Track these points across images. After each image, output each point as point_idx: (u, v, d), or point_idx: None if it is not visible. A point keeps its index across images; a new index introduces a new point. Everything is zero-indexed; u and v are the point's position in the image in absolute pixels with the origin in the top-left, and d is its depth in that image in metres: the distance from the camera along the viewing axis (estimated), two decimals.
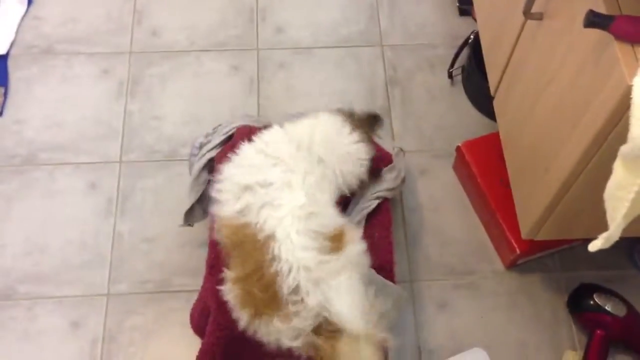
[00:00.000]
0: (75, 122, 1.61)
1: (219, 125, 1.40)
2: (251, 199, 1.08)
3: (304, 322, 1.01)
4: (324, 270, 1.03)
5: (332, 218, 1.12)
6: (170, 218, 1.48)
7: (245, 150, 1.17)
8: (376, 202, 1.31)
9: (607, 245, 0.80)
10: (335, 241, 1.07)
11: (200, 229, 1.44)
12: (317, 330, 1.02)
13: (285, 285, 1.01)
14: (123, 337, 1.37)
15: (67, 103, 1.63)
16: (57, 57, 1.70)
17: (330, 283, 1.02)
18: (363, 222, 1.28)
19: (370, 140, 1.28)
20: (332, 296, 1.02)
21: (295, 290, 1.01)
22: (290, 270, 1.01)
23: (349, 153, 1.21)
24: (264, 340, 1.05)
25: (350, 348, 1.01)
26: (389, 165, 1.37)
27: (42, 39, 1.72)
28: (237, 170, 1.14)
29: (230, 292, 1.06)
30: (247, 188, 1.09)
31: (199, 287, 1.31)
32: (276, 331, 1.02)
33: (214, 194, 1.13)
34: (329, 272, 1.04)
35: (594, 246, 0.80)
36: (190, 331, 1.34)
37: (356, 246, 1.10)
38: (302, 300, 1.01)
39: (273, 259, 1.03)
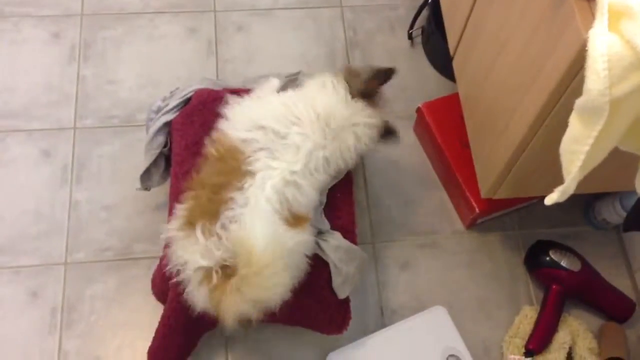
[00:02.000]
0: (26, 88, 1.55)
1: (177, 88, 1.37)
2: (259, 137, 1.12)
3: (217, 246, 1.03)
4: (268, 227, 1.05)
5: (308, 201, 1.14)
6: (128, 185, 1.45)
7: (270, 96, 1.22)
8: (342, 174, 1.31)
9: (562, 199, 0.81)
10: (295, 219, 1.09)
11: (159, 194, 1.42)
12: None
13: (231, 211, 1.05)
14: (83, 305, 1.35)
15: (17, 68, 1.57)
16: (6, 21, 1.63)
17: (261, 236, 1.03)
18: (325, 193, 1.28)
19: (378, 104, 1.26)
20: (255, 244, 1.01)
21: (234, 220, 1.04)
22: (242, 206, 1.05)
23: (358, 129, 1.21)
24: (175, 254, 1.08)
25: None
26: None
27: None
28: (257, 108, 1.18)
29: (186, 197, 1.11)
30: (261, 127, 1.13)
31: (160, 254, 1.29)
32: (192, 243, 1.05)
33: (226, 111, 1.18)
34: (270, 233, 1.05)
35: (550, 199, 0.81)
36: (153, 298, 1.33)
37: (305, 237, 1.12)
38: (230, 230, 1.04)
39: (239, 188, 1.06)
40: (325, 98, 1.19)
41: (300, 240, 1.11)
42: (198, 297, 1.06)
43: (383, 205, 1.50)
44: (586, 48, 0.74)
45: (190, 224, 1.07)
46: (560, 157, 0.80)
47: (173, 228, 1.09)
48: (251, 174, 1.08)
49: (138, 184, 1.34)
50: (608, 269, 1.43)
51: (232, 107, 1.20)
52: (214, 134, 1.17)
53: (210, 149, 1.15)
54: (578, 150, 0.76)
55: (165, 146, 1.32)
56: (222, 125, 1.17)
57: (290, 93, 1.22)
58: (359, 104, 1.21)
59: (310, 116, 1.16)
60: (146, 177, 1.33)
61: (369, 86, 1.23)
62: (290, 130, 1.14)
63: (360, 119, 1.20)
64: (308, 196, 1.15)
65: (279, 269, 1.01)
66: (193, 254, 1.05)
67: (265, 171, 1.09)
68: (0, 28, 1.62)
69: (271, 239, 1.01)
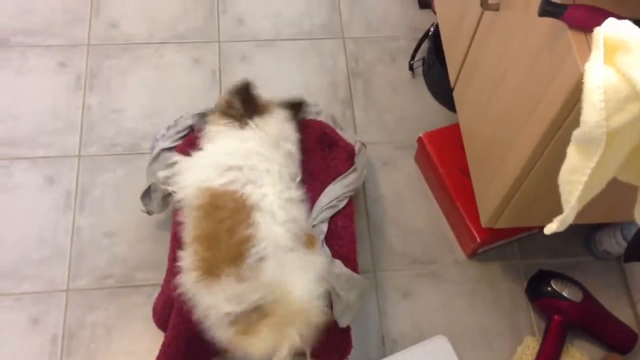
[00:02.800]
0: (31, 116, 1.57)
1: (181, 117, 1.39)
2: (237, 175, 1.13)
3: (250, 290, 1.03)
4: (292, 257, 1.06)
5: (303, 217, 1.17)
6: (131, 212, 1.46)
7: (225, 139, 1.22)
8: (344, 202, 1.32)
9: (562, 228, 0.82)
10: (307, 239, 1.11)
11: (161, 221, 1.43)
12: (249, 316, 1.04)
13: (254, 250, 1.05)
14: (84, 332, 1.35)
15: (23, 97, 1.60)
16: (12, 50, 1.66)
17: (294, 272, 1.04)
18: (327, 222, 1.29)
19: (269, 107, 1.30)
20: (289, 281, 1.05)
21: (259, 259, 1.05)
22: (263, 240, 1.06)
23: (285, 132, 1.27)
24: (199, 309, 1.07)
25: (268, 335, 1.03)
26: (352, 167, 1.38)
27: None
28: (220, 152, 1.19)
29: (187, 252, 1.10)
30: (232, 168, 1.14)
31: (161, 281, 1.29)
32: (217, 290, 1.04)
33: (192, 163, 1.19)
34: (296, 262, 1.07)
35: (549, 229, 0.82)
36: (154, 326, 1.33)
37: (323, 260, 1.15)
38: (263, 270, 1.04)
39: (253, 223, 1.06)
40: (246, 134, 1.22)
41: (320, 263, 1.13)
42: (225, 338, 1.06)
43: (384, 234, 1.50)
44: (583, 80, 0.75)
45: (211, 273, 1.06)
46: (559, 187, 0.81)
47: (190, 281, 1.08)
48: (256, 205, 1.09)
49: (142, 207, 1.36)
50: (609, 299, 1.43)
51: (186, 165, 1.21)
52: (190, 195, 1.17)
53: (194, 207, 1.14)
54: (576, 180, 0.77)
55: None
56: (188, 183, 1.17)
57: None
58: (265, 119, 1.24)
59: (264, 143, 1.20)
60: (146, 201, 1.35)
61: (243, 103, 1.26)
62: (255, 160, 1.17)
63: (279, 124, 1.26)
64: (305, 212, 1.17)
65: (316, 301, 1.05)
66: (218, 301, 1.05)
67: (264, 199, 1.10)
68: (6, 57, 1.65)
69: (305, 276, 1.05)
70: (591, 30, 0.79)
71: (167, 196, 1.30)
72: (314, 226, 1.26)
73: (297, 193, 1.19)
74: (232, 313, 1.04)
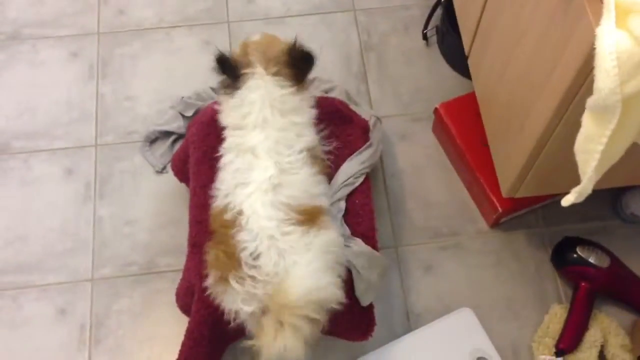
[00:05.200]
0: (47, 108, 1.58)
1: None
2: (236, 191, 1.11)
3: (256, 287, 1.03)
4: (289, 241, 1.05)
5: (306, 188, 1.12)
6: (150, 199, 1.47)
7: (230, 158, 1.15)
8: (360, 179, 1.30)
9: (580, 199, 0.80)
10: (306, 215, 1.08)
11: (179, 207, 1.43)
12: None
13: (248, 250, 1.05)
14: (111, 321, 1.36)
15: (37, 89, 1.60)
16: (24, 43, 1.66)
17: (294, 257, 1.04)
18: (344, 200, 1.28)
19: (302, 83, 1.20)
20: (292, 270, 1.04)
21: (257, 257, 1.04)
22: (254, 239, 1.05)
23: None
24: (224, 307, 1.09)
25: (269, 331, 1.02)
26: (367, 143, 1.35)
27: (8, 24, 1.68)
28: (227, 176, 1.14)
29: (208, 255, 1.12)
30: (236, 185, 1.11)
31: (182, 267, 1.30)
32: (233, 293, 1.05)
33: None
34: (296, 246, 1.05)
35: (566, 201, 0.80)
36: (178, 311, 1.33)
37: (329, 234, 1.11)
38: (260, 266, 1.04)
39: (240, 229, 1.06)
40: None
41: (324, 240, 1.09)
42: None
43: (404, 209, 1.49)
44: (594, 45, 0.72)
45: (223, 279, 1.07)
46: (575, 157, 0.79)
47: (212, 284, 1.10)
48: (239, 212, 1.08)
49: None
50: (639, 263, 1.40)
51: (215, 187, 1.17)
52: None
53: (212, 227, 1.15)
54: (592, 149, 0.74)
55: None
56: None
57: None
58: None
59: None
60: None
61: (228, 76, 1.17)
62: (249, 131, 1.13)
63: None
64: (301, 184, 1.12)
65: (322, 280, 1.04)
66: (237, 304, 1.06)
67: (246, 200, 1.08)
68: (18, 50, 1.65)
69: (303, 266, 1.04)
70: None
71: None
72: (332, 204, 1.25)
73: (294, 159, 1.12)
74: (253, 313, 1.04)
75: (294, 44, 1.17)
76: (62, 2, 1.71)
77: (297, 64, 1.17)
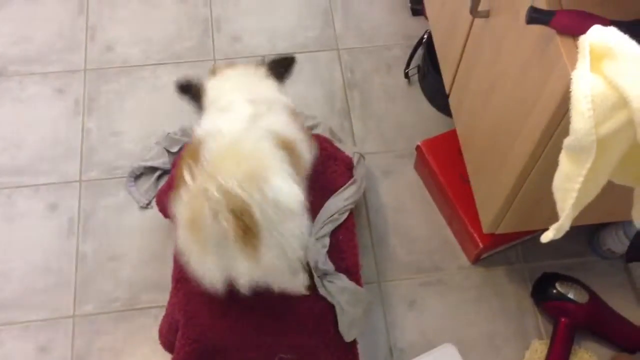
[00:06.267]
0: (32, 144, 1.58)
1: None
2: None
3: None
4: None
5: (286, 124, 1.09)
6: (134, 234, 1.47)
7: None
8: (344, 215, 1.32)
9: (558, 236, 0.82)
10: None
11: (164, 243, 1.43)
12: None
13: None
14: (92, 358, 1.35)
15: (22, 125, 1.61)
16: (10, 80, 1.67)
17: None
18: (328, 236, 1.29)
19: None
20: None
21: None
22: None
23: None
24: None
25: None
26: (351, 180, 1.38)
27: None
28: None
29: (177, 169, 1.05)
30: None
31: (166, 303, 1.30)
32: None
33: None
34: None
35: (545, 237, 0.82)
36: (161, 347, 1.33)
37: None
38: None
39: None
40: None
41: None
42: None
43: (388, 244, 1.50)
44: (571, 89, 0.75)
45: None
46: (554, 194, 0.81)
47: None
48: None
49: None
50: (616, 299, 1.42)
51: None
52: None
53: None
54: (570, 188, 0.77)
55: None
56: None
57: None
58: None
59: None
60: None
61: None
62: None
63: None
64: (280, 121, 1.08)
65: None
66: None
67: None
68: (5, 87, 1.66)
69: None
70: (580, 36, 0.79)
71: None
72: (316, 239, 1.27)
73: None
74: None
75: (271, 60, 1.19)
76: (49, 39, 1.73)
77: (277, 67, 1.19)
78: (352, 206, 1.35)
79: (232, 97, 1.11)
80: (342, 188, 1.35)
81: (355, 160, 1.41)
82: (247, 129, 1.03)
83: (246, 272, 0.98)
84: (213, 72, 1.21)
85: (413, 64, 1.71)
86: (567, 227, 0.81)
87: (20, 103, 1.64)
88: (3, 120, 1.61)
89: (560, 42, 0.90)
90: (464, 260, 1.49)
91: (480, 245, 1.40)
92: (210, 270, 1.00)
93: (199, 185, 0.94)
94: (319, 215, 1.30)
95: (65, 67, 1.70)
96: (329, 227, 1.30)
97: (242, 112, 1.06)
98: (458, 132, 1.39)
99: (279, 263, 1.00)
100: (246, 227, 0.93)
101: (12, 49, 1.72)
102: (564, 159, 0.78)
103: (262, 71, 1.18)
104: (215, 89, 1.15)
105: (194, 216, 0.96)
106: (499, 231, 1.27)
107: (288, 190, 0.98)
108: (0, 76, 1.67)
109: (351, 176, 1.39)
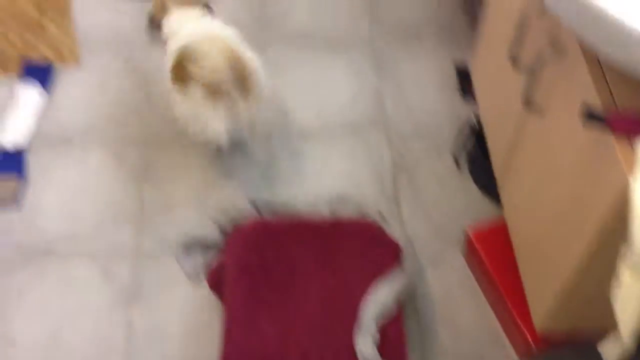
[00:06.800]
0: None
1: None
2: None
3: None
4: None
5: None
6: (184, 308, 1.47)
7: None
8: (393, 310, 1.30)
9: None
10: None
11: (212, 321, 1.43)
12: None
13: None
14: None
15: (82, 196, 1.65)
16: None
17: None
18: (377, 330, 1.27)
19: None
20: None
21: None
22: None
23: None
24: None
25: None
26: (399, 271, 1.36)
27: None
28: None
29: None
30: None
31: None
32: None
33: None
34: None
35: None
36: None
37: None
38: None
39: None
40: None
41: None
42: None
43: (435, 334, 1.46)
44: (630, 197, 0.73)
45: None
46: (613, 307, 0.78)
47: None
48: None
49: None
50: None
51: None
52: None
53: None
54: (633, 305, 0.74)
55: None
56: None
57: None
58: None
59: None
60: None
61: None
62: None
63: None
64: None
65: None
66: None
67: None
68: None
69: None
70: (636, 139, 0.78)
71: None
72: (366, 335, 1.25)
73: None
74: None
75: None
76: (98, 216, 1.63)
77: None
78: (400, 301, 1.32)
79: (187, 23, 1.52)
80: (391, 278, 1.33)
81: (403, 254, 1.40)
82: (210, 28, 1.50)
83: (244, 113, 1.47)
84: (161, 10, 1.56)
85: (463, 149, 1.71)
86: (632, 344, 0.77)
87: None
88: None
89: (616, 145, 0.88)
90: (512, 354, 1.44)
91: (530, 341, 1.34)
92: (220, 124, 1.45)
93: (209, 66, 1.39)
94: (366, 308, 1.28)
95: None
96: (380, 323, 1.27)
97: (199, 24, 1.51)
98: (508, 224, 1.36)
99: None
100: (245, 86, 1.44)
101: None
102: (624, 274, 0.75)
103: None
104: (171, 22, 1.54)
105: (214, 88, 1.39)
106: (549, 329, 1.22)
107: (257, 59, 1.48)
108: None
109: (398, 264, 1.37)
